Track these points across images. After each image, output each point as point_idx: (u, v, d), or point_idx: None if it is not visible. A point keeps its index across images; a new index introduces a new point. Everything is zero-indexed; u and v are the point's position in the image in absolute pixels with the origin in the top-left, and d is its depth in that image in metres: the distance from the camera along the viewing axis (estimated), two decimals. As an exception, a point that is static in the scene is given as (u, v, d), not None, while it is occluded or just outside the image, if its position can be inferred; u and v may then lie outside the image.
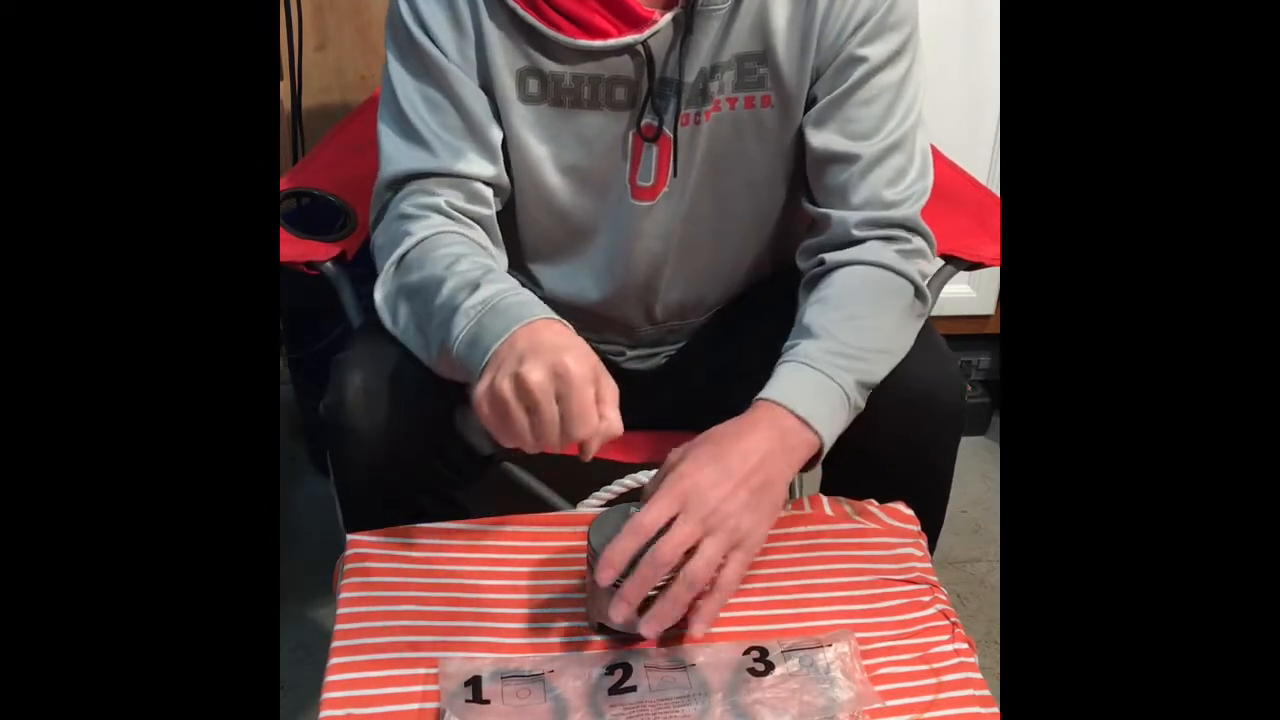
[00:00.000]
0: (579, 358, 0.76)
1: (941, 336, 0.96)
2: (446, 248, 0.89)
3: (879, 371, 0.88)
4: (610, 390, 0.78)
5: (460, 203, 0.93)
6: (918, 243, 0.94)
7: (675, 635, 0.80)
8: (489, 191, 0.94)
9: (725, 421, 0.83)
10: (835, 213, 0.94)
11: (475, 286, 0.83)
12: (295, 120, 1.63)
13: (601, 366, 0.78)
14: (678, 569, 0.76)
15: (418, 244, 0.90)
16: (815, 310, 0.90)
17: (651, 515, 0.76)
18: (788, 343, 0.89)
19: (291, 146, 1.64)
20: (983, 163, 1.65)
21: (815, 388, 0.84)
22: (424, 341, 0.87)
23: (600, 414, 0.77)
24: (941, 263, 1.11)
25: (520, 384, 0.75)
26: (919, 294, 0.93)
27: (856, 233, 0.93)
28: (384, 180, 0.94)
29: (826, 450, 0.84)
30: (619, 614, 0.75)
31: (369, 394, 0.89)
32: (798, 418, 0.82)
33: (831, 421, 0.84)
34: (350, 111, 1.37)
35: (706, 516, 0.77)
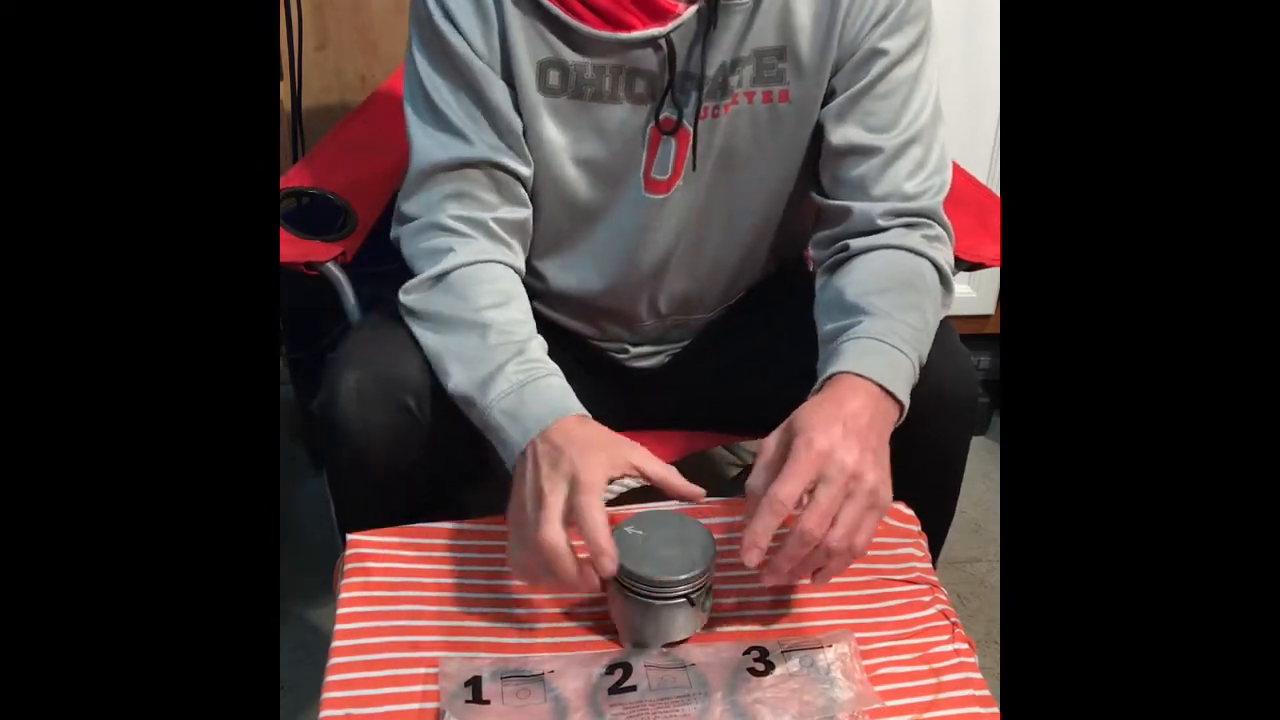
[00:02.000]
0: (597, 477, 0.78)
1: (956, 333, 0.96)
2: (493, 283, 0.91)
3: (926, 353, 0.88)
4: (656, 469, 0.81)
5: (505, 212, 0.93)
6: (939, 230, 0.95)
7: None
8: (519, 183, 0.94)
9: (809, 400, 0.81)
10: (857, 205, 0.94)
11: (517, 351, 0.86)
12: (295, 120, 1.63)
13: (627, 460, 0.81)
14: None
15: (462, 266, 0.90)
16: (858, 290, 0.89)
17: (788, 489, 0.74)
18: (840, 322, 0.88)
19: (291, 146, 1.64)
20: (983, 163, 1.65)
21: (891, 362, 0.83)
22: (443, 367, 0.88)
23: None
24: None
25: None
26: (944, 279, 0.93)
27: (881, 222, 0.93)
28: (417, 171, 0.94)
29: (902, 420, 0.83)
30: (770, 581, 0.76)
31: (362, 393, 0.89)
32: (882, 388, 0.81)
33: (907, 393, 0.83)
34: (350, 111, 1.37)
35: (846, 482, 0.75)
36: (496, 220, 0.93)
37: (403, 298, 0.91)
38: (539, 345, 0.88)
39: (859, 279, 0.91)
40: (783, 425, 0.79)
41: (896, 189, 0.93)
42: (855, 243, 0.94)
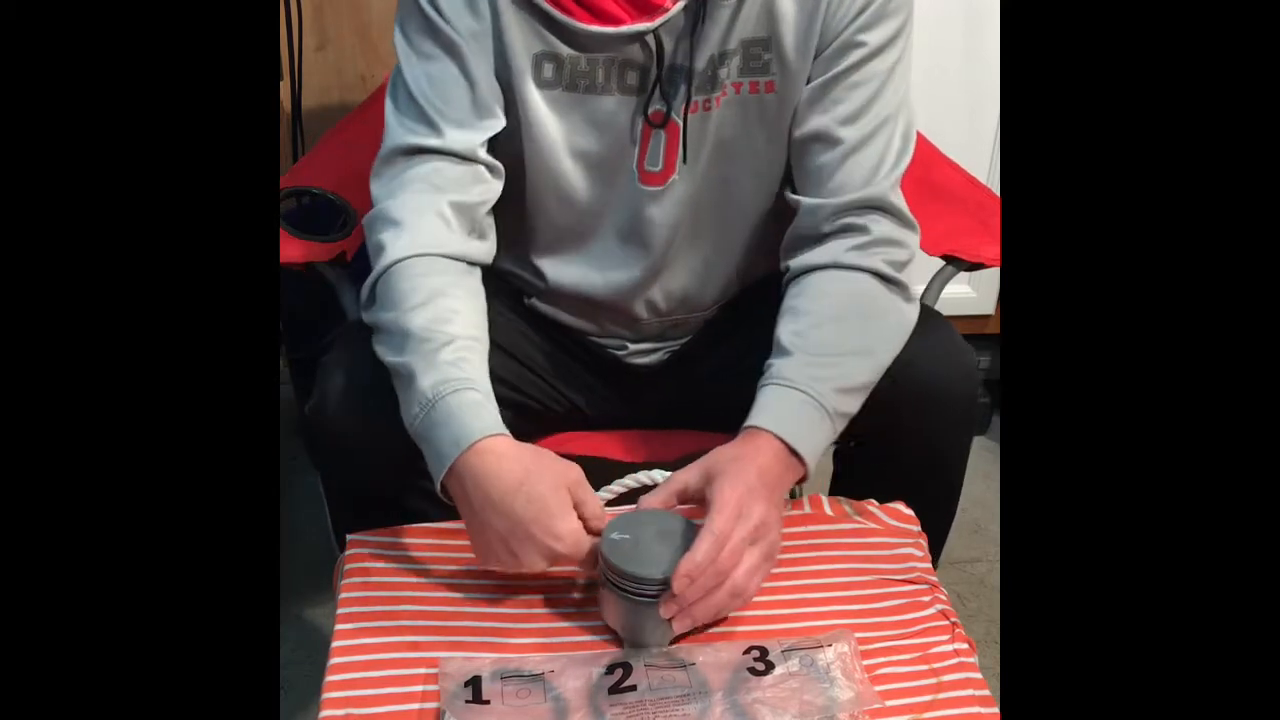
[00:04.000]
0: (567, 535, 0.79)
1: (957, 331, 0.96)
2: (418, 279, 0.88)
3: (857, 374, 0.88)
4: (591, 505, 0.82)
5: (459, 196, 0.92)
6: (880, 229, 0.93)
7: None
8: (487, 172, 0.94)
9: (726, 446, 0.84)
10: (807, 200, 0.95)
11: (427, 363, 0.83)
12: (295, 120, 1.63)
13: (571, 480, 0.81)
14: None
15: (392, 265, 0.88)
16: (784, 323, 0.91)
17: (723, 524, 0.78)
18: (767, 361, 0.90)
19: (291, 146, 1.64)
20: (983, 163, 1.65)
21: (798, 409, 0.85)
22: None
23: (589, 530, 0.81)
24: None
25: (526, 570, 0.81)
26: (887, 281, 0.92)
27: (824, 227, 0.94)
28: (385, 152, 0.94)
29: (810, 473, 0.87)
30: (683, 626, 0.78)
31: (352, 397, 0.88)
32: (787, 445, 0.84)
33: (816, 443, 0.86)
34: (350, 111, 1.37)
35: (756, 527, 0.80)
36: (451, 204, 0.92)
37: (362, 315, 0.91)
38: (454, 349, 0.85)
39: (787, 306, 0.92)
40: (701, 465, 0.83)
41: (849, 183, 0.93)
42: (795, 263, 0.94)
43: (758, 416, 0.85)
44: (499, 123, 0.93)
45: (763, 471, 0.82)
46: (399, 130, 0.93)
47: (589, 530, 0.80)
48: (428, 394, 0.82)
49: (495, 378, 1.00)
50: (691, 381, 1.10)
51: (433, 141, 0.92)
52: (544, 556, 0.79)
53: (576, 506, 0.80)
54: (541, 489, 0.79)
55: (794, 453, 0.84)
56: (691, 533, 0.80)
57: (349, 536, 0.88)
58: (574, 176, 0.97)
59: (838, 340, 0.89)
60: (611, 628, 0.81)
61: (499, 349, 1.02)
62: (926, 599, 0.85)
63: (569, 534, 0.78)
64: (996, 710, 0.76)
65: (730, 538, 0.78)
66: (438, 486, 0.82)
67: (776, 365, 0.88)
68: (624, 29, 0.90)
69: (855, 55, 0.92)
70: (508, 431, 0.82)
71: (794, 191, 0.98)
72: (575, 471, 0.81)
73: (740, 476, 0.80)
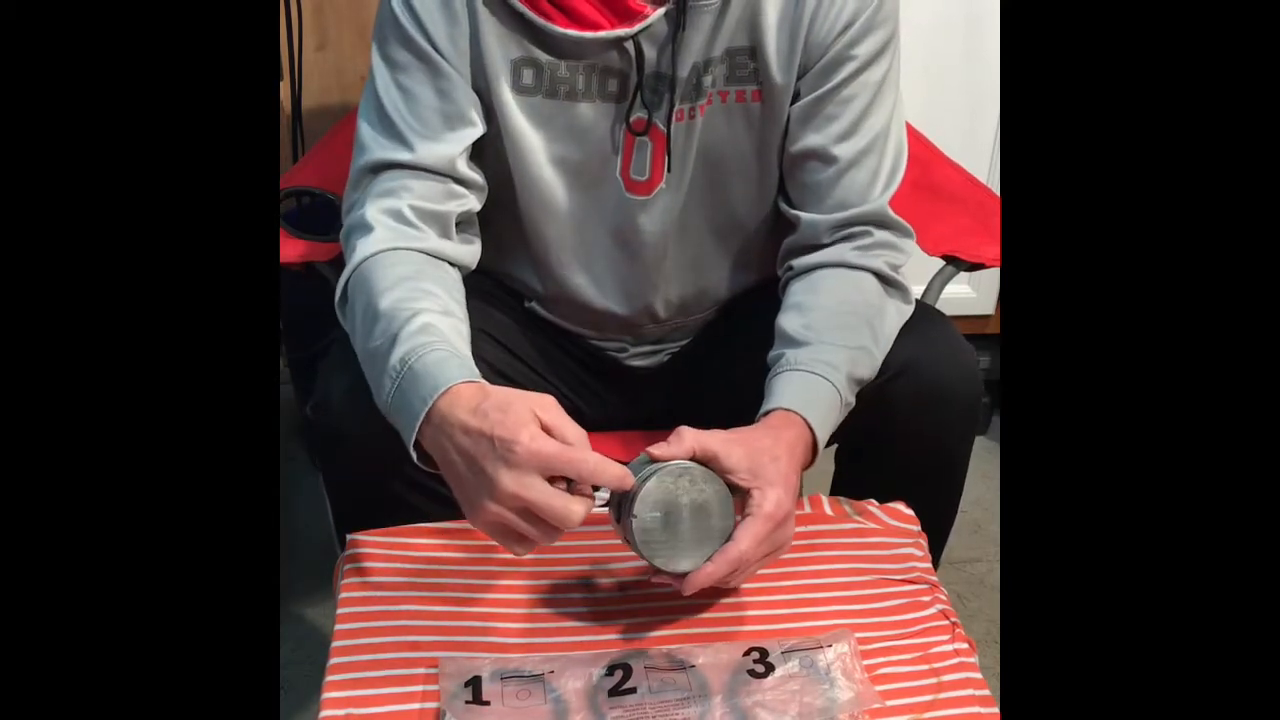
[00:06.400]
0: (528, 441, 0.72)
1: (959, 331, 0.96)
2: (387, 269, 0.87)
3: (862, 367, 0.89)
4: (566, 429, 0.75)
5: (424, 203, 0.91)
6: (880, 235, 0.95)
7: (676, 634, 0.80)
8: (460, 187, 0.93)
9: (764, 433, 0.83)
10: (805, 215, 0.96)
11: (394, 339, 0.81)
12: (295, 120, 1.63)
13: (539, 404, 0.75)
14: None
15: (359, 266, 0.88)
16: (790, 317, 0.92)
17: (749, 545, 0.77)
18: (774, 352, 0.90)
19: (291, 146, 1.64)
20: (983, 163, 1.65)
21: (822, 395, 0.86)
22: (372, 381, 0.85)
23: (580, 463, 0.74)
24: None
25: (506, 498, 0.73)
26: (887, 282, 0.94)
27: (824, 239, 0.95)
28: (357, 169, 0.94)
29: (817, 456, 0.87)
30: (689, 589, 0.77)
31: (355, 396, 0.88)
32: (810, 430, 0.84)
33: (831, 431, 0.87)
34: (350, 111, 1.37)
35: (775, 550, 0.80)
36: (411, 207, 0.91)
37: (338, 316, 0.91)
38: (422, 318, 0.82)
39: (794, 302, 0.93)
40: (747, 457, 0.79)
41: (847, 199, 0.94)
42: (797, 263, 0.96)
43: (788, 399, 0.85)
44: (476, 130, 0.93)
45: (797, 468, 0.82)
46: (371, 145, 0.93)
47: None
48: (397, 367, 0.80)
49: (495, 371, 1.00)
50: (692, 382, 1.10)
51: (403, 156, 0.91)
52: (506, 464, 0.72)
53: (549, 431, 0.74)
54: (501, 406, 0.74)
55: (814, 441, 0.84)
56: (726, 516, 0.78)
57: (349, 536, 0.88)
58: (556, 185, 0.96)
59: (845, 335, 0.89)
60: (614, 622, 0.81)
61: (498, 344, 1.02)
62: (926, 599, 0.85)
63: (530, 440, 0.72)
64: (996, 710, 0.76)
65: (751, 561, 0.78)
66: (411, 451, 0.79)
67: (790, 354, 0.88)
68: (602, 34, 0.89)
69: (846, 69, 0.92)
70: (485, 383, 0.79)
71: (789, 203, 0.98)
72: (546, 399, 0.76)
73: (783, 485, 0.79)
